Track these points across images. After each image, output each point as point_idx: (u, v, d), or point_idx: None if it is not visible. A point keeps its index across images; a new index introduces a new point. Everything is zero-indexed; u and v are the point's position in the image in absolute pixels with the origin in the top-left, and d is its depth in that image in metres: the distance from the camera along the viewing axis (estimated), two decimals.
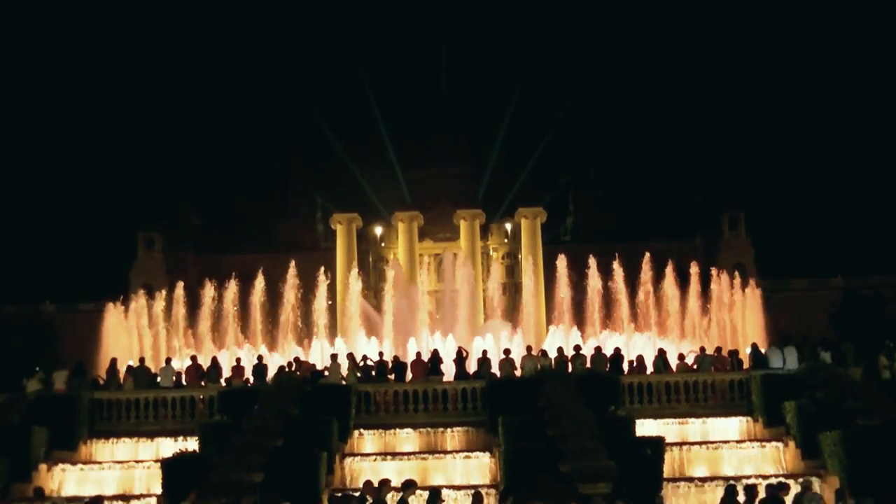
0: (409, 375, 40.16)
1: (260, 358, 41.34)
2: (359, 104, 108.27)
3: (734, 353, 41.93)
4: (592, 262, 57.04)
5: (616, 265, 57.43)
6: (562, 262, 58.52)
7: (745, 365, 40.37)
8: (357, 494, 24.44)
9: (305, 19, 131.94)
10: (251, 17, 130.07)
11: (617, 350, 40.66)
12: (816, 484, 29.61)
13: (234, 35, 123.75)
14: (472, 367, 40.71)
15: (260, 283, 56.79)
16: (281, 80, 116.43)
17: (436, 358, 40.20)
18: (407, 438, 35.63)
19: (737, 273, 59.62)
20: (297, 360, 42.85)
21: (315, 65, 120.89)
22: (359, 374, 39.66)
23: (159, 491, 30.35)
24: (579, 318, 58.47)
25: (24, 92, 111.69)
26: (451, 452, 34.33)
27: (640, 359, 41.50)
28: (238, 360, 41.44)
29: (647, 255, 57.59)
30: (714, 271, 58.25)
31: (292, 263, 56.57)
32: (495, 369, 39.61)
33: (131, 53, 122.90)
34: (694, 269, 57.78)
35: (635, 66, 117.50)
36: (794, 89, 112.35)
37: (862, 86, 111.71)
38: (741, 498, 24.62)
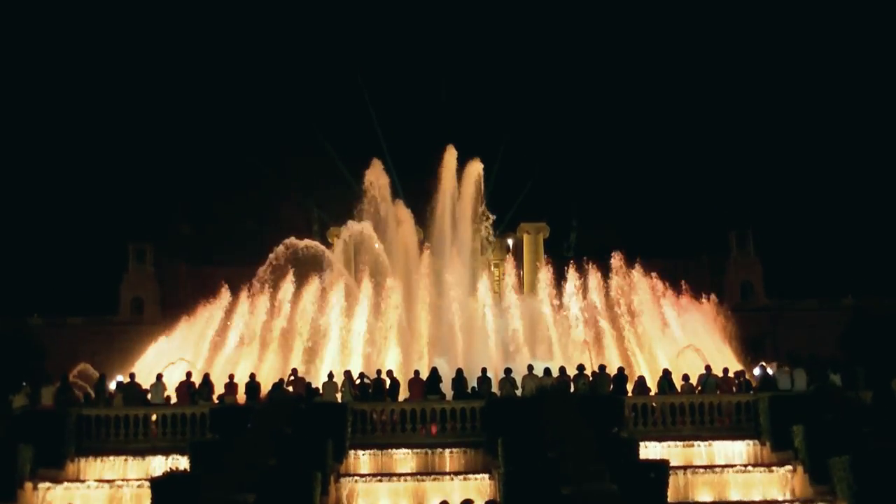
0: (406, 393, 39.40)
1: (252, 375, 40.49)
2: (357, 114, 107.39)
3: (741, 374, 41.15)
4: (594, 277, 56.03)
5: (617, 282, 56.37)
6: (545, 274, 57.01)
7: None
8: None
9: (304, 27, 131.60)
10: (247, 23, 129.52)
11: (620, 370, 39.90)
12: None
13: (230, 42, 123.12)
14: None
15: (255, 296, 55.81)
16: (277, 89, 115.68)
17: (434, 376, 39.39)
18: (404, 459, 34.88)
19: (686, 290, 57.38)
20: (294, 371, 41.98)
21: (312, 74, 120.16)
22: (355, 392, 38.88)
23: None
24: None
25: (9, 102, 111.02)
26: (449, 474, 33.58)
27: (642, 379, 40.70)
28: (231, 376, 40.58)
29: (637, 272, 56.08)
30: (674, 291, 56.04)
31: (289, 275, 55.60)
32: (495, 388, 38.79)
33: (121, 59, 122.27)
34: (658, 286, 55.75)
35: (643, 81, 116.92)
36: (804, 106, 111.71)
37: (874, 104, 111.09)
38: None
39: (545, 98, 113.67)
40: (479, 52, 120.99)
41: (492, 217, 62.21)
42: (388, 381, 39.53)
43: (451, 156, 60.50)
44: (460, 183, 59.89)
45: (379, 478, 33.29)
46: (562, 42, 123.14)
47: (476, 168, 59.76)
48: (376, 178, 60.25)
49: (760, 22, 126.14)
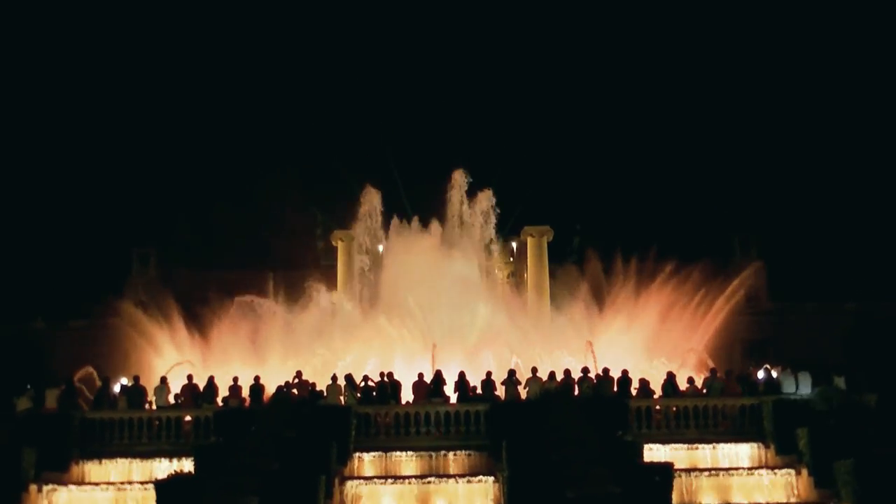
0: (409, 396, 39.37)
1: (256, 378, 40.43)
2: (358, 116, 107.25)
3: (745, 377, 41.10)
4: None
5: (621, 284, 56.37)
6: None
7: None
8: None
9: (307, 31, 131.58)
10: (250, 26, 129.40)
11: (625, 372, 39.84)
12: None
13: (232, 45, 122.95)
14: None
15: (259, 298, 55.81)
16: (278, 90, 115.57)
17: (438, 379, 39.37)
18: (408, 462, 34.92)
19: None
20: (299, 373, 41.86)
21: (315, 77, 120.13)
22: (358, 395, 38.86)
23: None
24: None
25: (13, 104, 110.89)
26: (453, 476, 33.60)
27: (646, 382, 40.63)
28: (235, 379, 40.51)
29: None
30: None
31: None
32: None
33: (124, 63, 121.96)
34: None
35: (647, 84, 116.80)
36: (807, 109, 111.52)
37: (878, 107, 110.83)
38: None
39: (549, 101, 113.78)
40: (482, 54, 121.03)
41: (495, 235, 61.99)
42: (388, 384, 39.49)
43: (458, 178, 60.84)
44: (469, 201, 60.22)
45: (383, 480, 33.28)
46: (564, 45, 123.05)
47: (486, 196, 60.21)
48: (370, 204, 60.77)
49: (764, 25, 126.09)
